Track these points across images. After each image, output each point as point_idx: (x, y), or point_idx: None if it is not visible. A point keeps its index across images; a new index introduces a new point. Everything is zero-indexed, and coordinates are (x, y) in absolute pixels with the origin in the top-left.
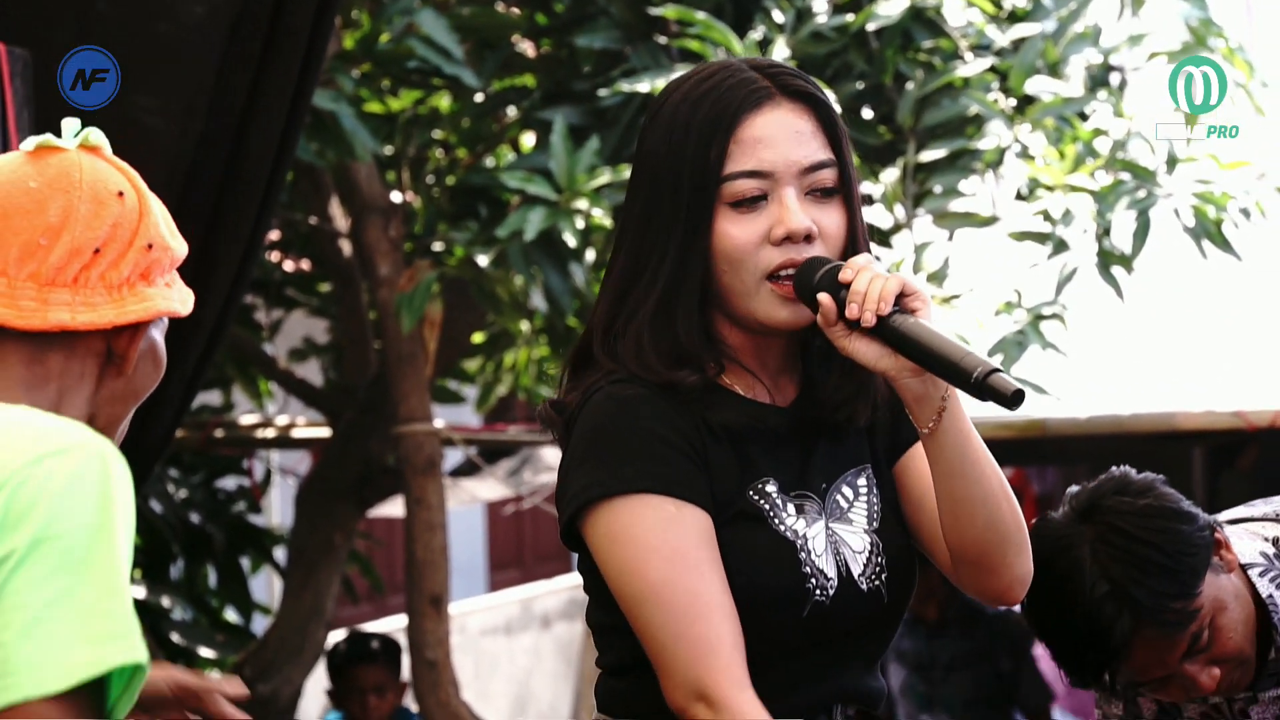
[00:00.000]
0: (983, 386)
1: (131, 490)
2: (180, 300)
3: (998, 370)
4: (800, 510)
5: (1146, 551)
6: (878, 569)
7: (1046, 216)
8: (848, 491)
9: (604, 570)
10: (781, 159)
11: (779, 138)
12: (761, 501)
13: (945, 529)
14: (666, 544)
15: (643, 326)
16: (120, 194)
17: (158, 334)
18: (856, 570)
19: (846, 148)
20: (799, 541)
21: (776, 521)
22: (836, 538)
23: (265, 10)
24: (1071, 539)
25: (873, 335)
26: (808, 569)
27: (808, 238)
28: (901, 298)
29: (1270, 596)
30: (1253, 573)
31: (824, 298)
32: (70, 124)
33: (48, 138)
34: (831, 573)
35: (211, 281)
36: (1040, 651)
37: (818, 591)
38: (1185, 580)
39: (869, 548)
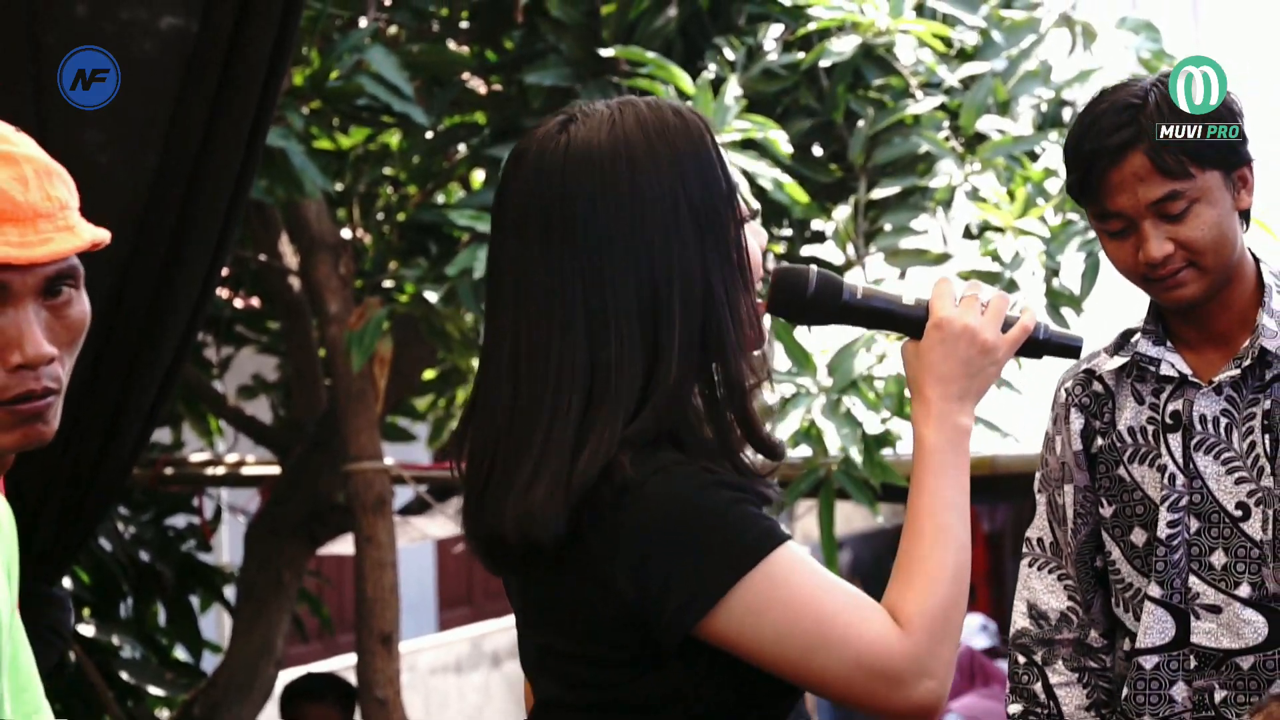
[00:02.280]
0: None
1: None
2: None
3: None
4: None
5: (1191, 107)
6: None
7: (995, 258)
8: None
9: (760, 650)
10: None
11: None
12: None
13: None
14: (802, 585)
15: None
16: None
17: None
18: None
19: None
20: None
21: None
22: None
23: (220, 49)
24: (1145, 79)
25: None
26: None
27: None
28: None
29: (1270, 286)
30: (1265, 266)
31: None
32: None
33: None
34: None
35: (167, 320)
36: None
37: None
38: (1201, 146)
39: None
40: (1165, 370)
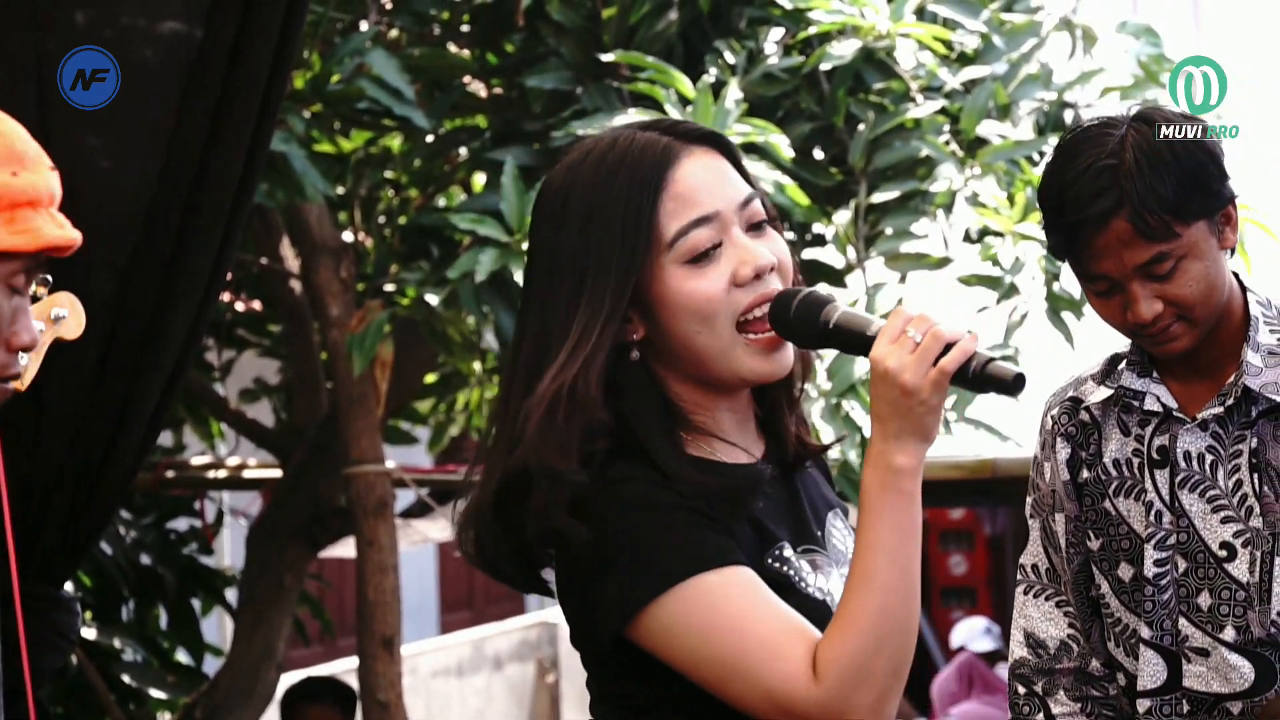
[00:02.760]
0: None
1: None
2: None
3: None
4: (814, 566)
5: (1169, 158)
6: None
7: (996, 262)
8: (835, 534)
9: (680, 667)
10: (721, 199)
11: (709, 181)
12: (783, 568)
13: None
14: (723, 613)
15: (578, 397)
16: None
17: None
18: None
19: (751, 178)
20: (827, 599)
21: (801, 584)
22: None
23: (223, 54)
24: (1119, 122)
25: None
26: None
27: (772, 270)
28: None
29: (1257, 318)
30: (1252, 296)
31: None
32: None
33: None
34: None
35: (171, 325)
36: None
37: None
38: (1183, 202)
39: None
40: (1150, 404)
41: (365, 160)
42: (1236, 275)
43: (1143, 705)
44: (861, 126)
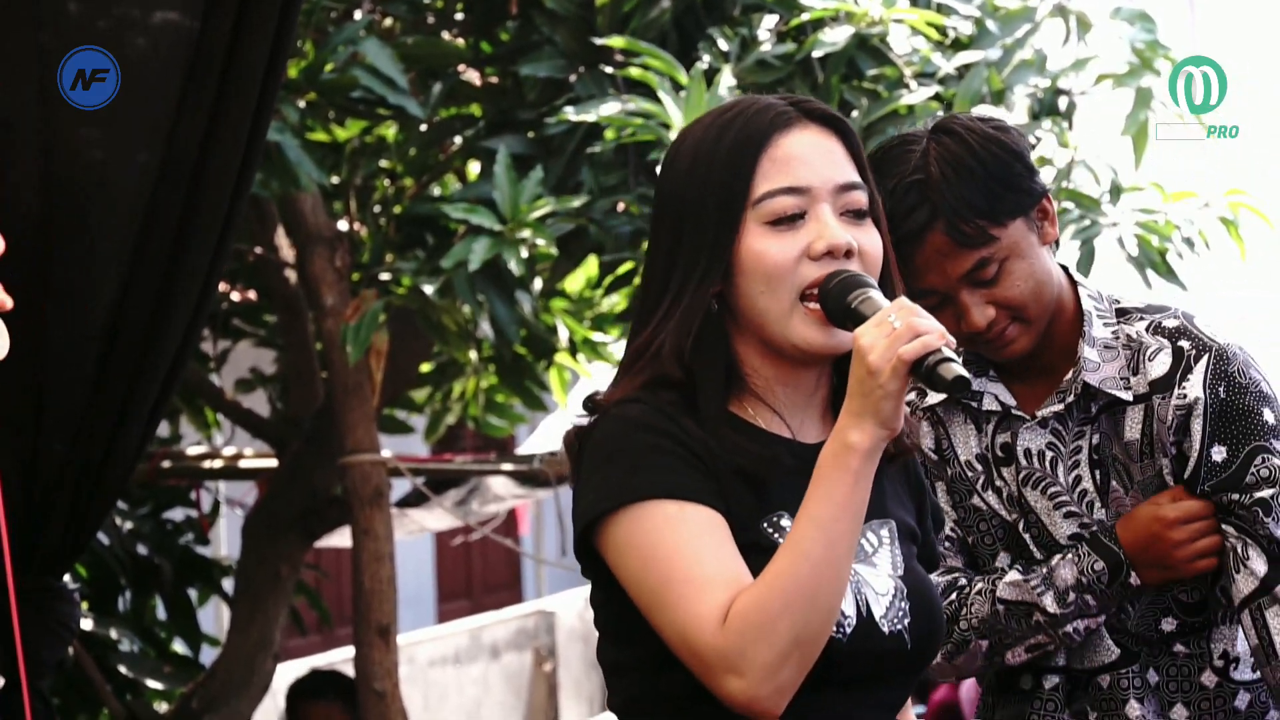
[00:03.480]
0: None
1: None
2: None
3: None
4: None
5: (973, 163)
6: (900, 613)
7: None
8: (872, 537)
9: (623, 583)
10: (817, 176)
11: (812, 156)
12: (774, 534)
13: None
14: (667, 542)
15: (661, 353)
16: None
17: None
18: (879, 612)
19: (870, 175)
20: None
21: None
22: (859, 578)
23: (220, 46)
24: (918, 137)
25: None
26: None
27: (848, 254)
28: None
29: (1090, 313)
30: (1083, 290)
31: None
32: None
33: None
34: (850, 611)
35: (171, 318)
36: None
37: (834, 628)
38: (994, 205)
39: (893, 591)
40: (989, 404)
41: (360, 149)
42: (1066, 269)
43: (1048, 681)
44: (855, 113)
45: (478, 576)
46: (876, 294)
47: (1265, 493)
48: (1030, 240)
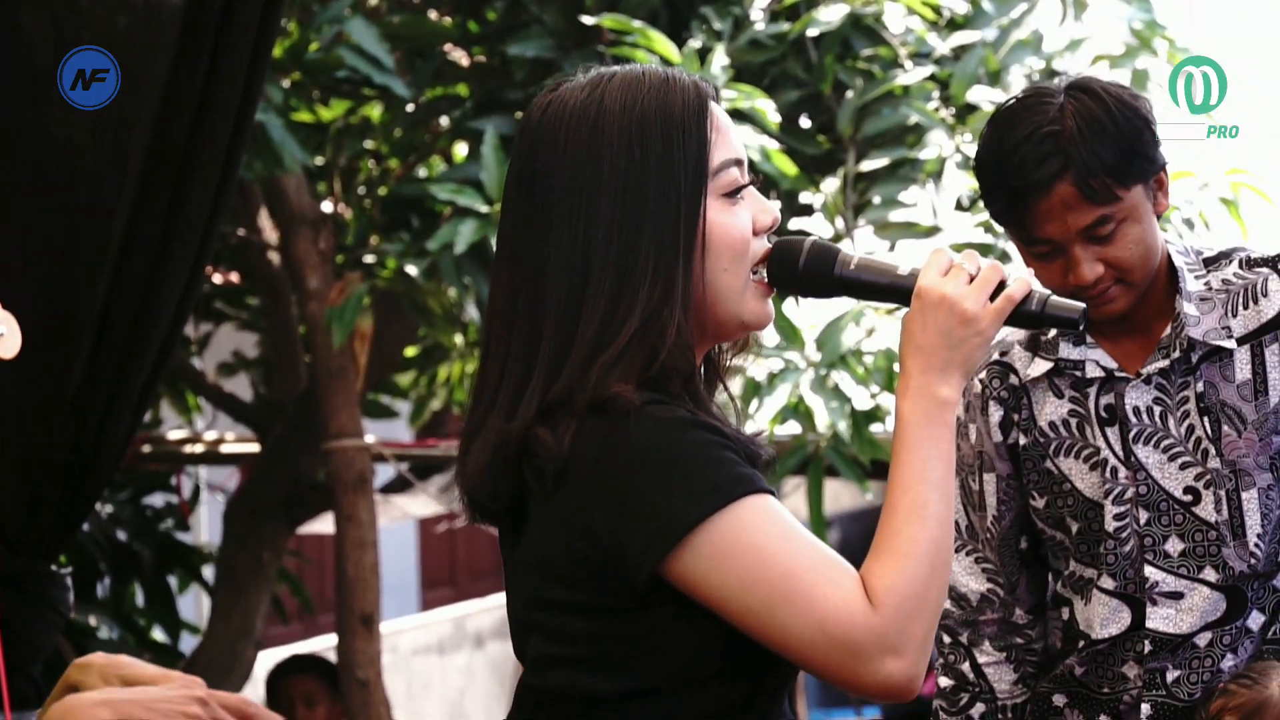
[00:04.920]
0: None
1: None
2: None
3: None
4: None
5: (1110, 124)
6: None
7: (988, 228)
8: None
9: (718, 595)
10: (741, 148)
11: (731, 129)
12: None
13: None
14: (775, 536)
15: (657, 341)
16: None
17: None
18: None
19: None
20: None
21: None
22: None
23: (210, 26)
24: (1053, 92)
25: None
26: None
27: (773, 230)
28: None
29: (1182, 269)
30: (1172, 248)
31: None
32: None
33: None
34: None
35: (161, 303)
36: None
37: None
38: (1124, 167)
39: None
40: (1091, 371)
41: (344, 130)
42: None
43: (1097, 647)
44: (849, 94)
45: (462, 564)
46: (864, 253)
47: None
48: (1146, 207)
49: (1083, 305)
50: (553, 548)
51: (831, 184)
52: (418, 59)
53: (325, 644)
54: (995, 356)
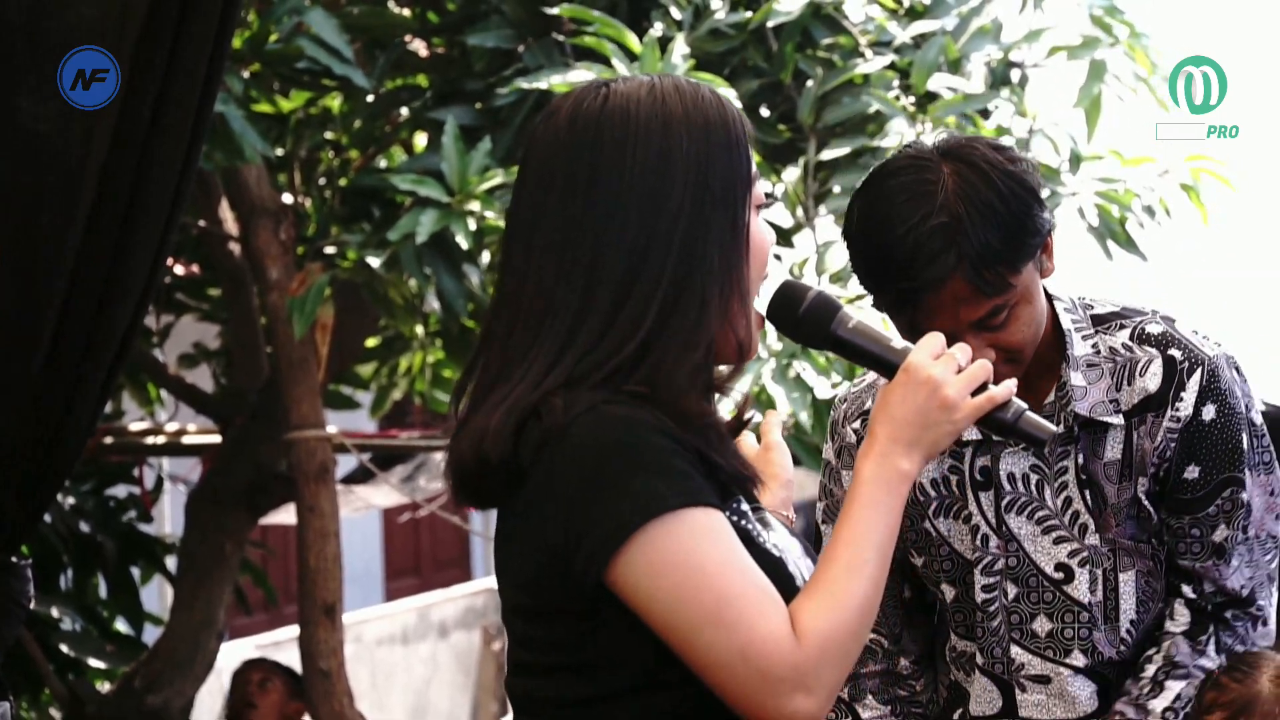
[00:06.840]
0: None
1: None
2: None
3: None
4: (765, 524)
5: (999, 204)
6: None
7: None
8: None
9: (652, 603)
10: None
11: None
12: (742, 521)
13: None
14: (714, 556)
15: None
16: None
17: None
18: None
19: None
20: (782, 555)
21: (760, 539)
22: (805, 545)
23: (169, 18)
24: (932, 162)
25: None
26: (799, 581)
27: None
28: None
29: (1069, 331)
30: (1059, 304)
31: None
32: None
33: None
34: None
35: (121, 295)
36: None
37: None
38: (1017, 250)
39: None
40: (968, 432)
41: (305, 121)
42: (1045, 291)
43: None
44: (810, 83)
45: (426, 554)
46: (854, 312)
47: (1219, 535)
48: (1035, 280)
49: (1054, 429)
50: (523, 550)
51: (792, 173)
52: (377, 50)
53: (289, 635)
54: (868, 403)
